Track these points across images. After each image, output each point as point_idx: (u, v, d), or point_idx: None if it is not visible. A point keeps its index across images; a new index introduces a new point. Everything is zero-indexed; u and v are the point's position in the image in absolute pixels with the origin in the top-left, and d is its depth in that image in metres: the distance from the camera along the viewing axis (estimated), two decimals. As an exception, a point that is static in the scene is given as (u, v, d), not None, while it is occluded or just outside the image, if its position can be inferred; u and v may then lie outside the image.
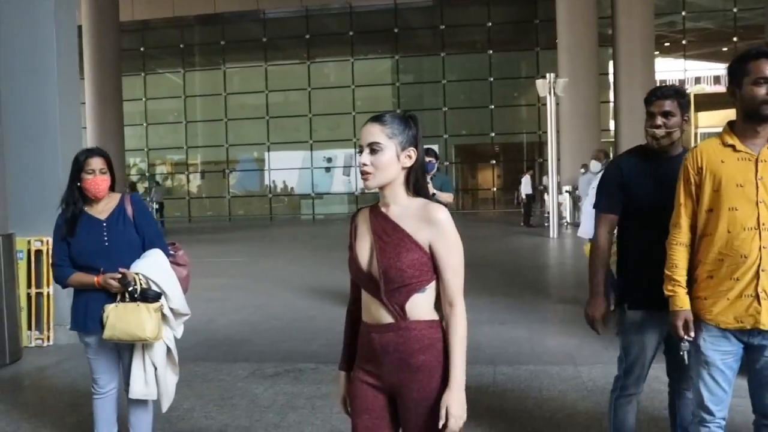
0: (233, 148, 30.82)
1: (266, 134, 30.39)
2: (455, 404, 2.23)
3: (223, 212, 30.77)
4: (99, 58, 23.19)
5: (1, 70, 7.09)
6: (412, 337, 2.28)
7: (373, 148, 2.26)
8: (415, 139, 2.33)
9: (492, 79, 29.61)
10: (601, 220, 3.23)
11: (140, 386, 3.65)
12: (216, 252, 16.50)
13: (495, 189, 31.07)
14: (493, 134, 29.74)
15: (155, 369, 3.66)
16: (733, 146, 2.66)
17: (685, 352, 2.71)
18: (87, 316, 3.65)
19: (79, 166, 3.67)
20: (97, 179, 3.64)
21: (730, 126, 2.72)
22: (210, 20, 30.58)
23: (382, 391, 2.39)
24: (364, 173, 2.28)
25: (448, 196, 7.17)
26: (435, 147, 7.55)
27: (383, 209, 2.36)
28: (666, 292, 2.73)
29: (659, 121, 3.07)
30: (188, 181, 32.15)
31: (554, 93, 18.05)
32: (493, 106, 29.57)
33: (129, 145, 28.41)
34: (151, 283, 3.56)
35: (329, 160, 31.19)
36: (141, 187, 31.38)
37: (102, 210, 3.73)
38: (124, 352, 3.72)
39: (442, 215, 2.27)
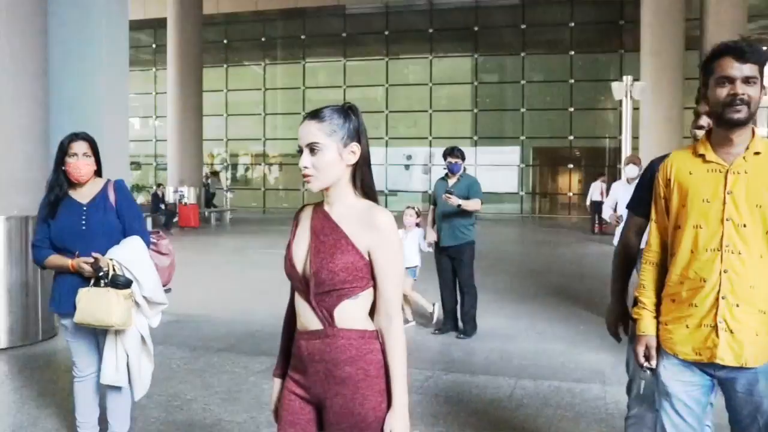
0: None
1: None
2: (398, 426, 2.10)
3: (297, 205, 31.13)
4: (182, 50, 23.89)
5: (52, 62, 7.30)
6: (338, 346, 2.14)
7: (313, 148, 2.13)
8: (357, 133, 2.19)
9: (572, 81, 28.82)
10: (629, 222, 3.06)
11: (111, 372, 3.66)
12: (280, 243, 16.62)
13: (571, 194, 30.27)
14: (571, 137, 28.96)
15: (127, 356, 3.66)
16: (703, 156, 2.37)
17: (642, 381, 2.44)
18: (62, 298, 3.68)
19: (63, 150, 3.69)
20: (78, 163, 3.67)
21: (707, 134, 2.42)
22: (292, 14, 30.97)
23: (309, 402, 2.25)
24: (305, 176, 2.15)
25: (475, 204, 6.89)
26: (459, 147, 7.18)
27: (326, 207, 2.23)
28: (632, 314, 2.47)
29: (703, 121, 2.99)
30: (265, 172, 32.73)
31: (631, 97, 17.36)
32: (572, 109, 28.79)
33: (209, 135, 29.17)
34: (123, 270, 3.54)
35: (409, 157, 31.08)
36: (224, 177, 32.22)
37: (85, 195, 3.76)
38: (101, 335, 3.74)
39: (385, 220, 2.14)
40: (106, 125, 7.46)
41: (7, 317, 6.29)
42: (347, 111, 2.19)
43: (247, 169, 33.58)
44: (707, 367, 2.35)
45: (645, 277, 2.47)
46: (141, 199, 23.03)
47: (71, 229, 3.66)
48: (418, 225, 7.57)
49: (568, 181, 30.51)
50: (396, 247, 2.15)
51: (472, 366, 5.91)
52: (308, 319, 2.19)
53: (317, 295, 2.15)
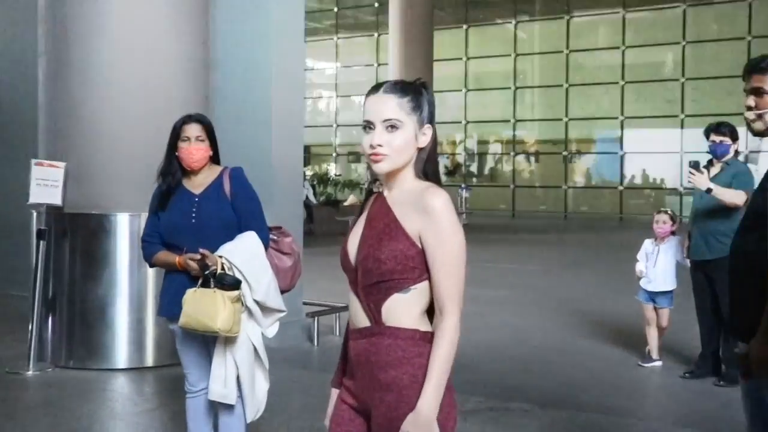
0: (576, 124, 30.96)
1: (620, 105, 30.01)
2: (417, 430, 2.36)
3: (559, 208, 31.08)
4: (406, 9, 24.90)
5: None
6: (384, 347, 2.45)
7: (394, 125, 2.48)
8: (431, 114, 2.56)
9: None
10: None
11: (218, 387, 4.15)
12: (514, 256, 17.16)
13: None
14: None
15: (237, 369, 4.15)
16: None
17: None
18: (170, 300, 4.26)
19: (175, 134, 4.28)
20: (191, 148, 4.25)
21: None
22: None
23: (359, 412, 2.60)
24: (375, 155, 2.49)
25: (734, 195, 6.55)
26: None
27: (385, 192, 2.59)
28: None
29: (750, 101, 3.17)
30: (515, 164, 32.89)
31: None
32: None
33: (443, 116, 30.08)
34: (234, 269, 4.04)
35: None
36: (468, 171, 33.06)
37: (199, 184, 4.34)
38: (212, 346, 4.25)
39: (438, 202, 2.44)
40: (275, 104, 8.28)
41: (154, 331, 7.21)
42: (421, 89, 2.56)
43: (492, 160, 34.03)
44: None
45: None
46: (353, 199, 24.36)
47: (180, 223, 4.25)
48: (673, 233, 7.40)
49: None
50: (449, 231, 2.43)
51: (731, 425, 5.74)
52: (357, 315, 2.54)
53: (365, 288, 2.49)
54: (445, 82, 30.38)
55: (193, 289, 4.07)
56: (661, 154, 29.43)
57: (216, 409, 4.34)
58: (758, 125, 3.17)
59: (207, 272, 4.04)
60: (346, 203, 22.79)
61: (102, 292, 7.11)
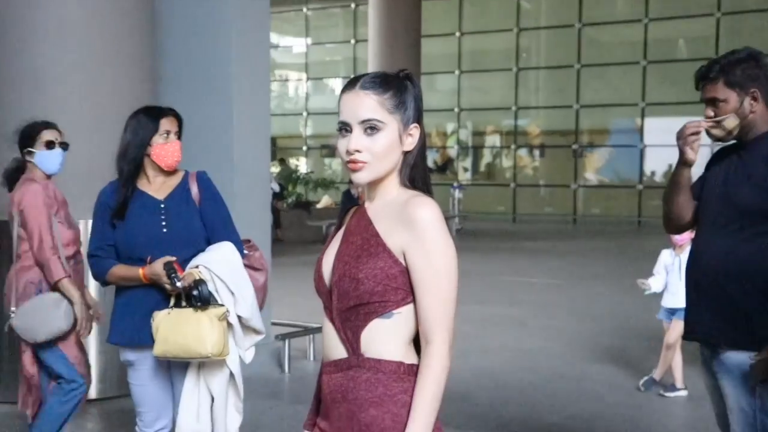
0: (588, 112, 30.97)
1: (641, 90, 30.12)
2: None
3: (568, 210, 31.11)
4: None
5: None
6: (363, 382, 2.49)
7: (373, 126, 2.50)
8: (418, 111, 2.60)
9: None
10: None
11: (191, 421, 4.18)
12: (515, 266, 17.31)
13: None
14: None
15: (212, 400, 4.21)
16: None
17: None
18: (130, 325, 4.28)
19: (150, 128, 4.33)
20: (171, 144, 4.32)
21: None
22: None
23: None
24: (353, 162, 2.51)
25: None
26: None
27: (366, 203, 2.65)
28: None
29: (709, 112, 3.79)
30: (516, 159, 32.79)
31: None
32: None
33: (432, 103, 30.02)
34: (215, 281, 4.11)
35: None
36: (461, 167, 32.93)
37: (159, 188, 4.39)
38: (177, 375, 4.30)
39: (425, 212, 2.47)
40: (236, 94, 8.37)
41: (97, 359, 7.24)
42: (405, 81, 2.59)
43: (490, 155, 33.94)
44: None
45: None
46: (327, 200, 24.39)
47: (148, 233, 4.27)
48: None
49: None
50: (437, 248, 2.45)
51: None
52: (332, 345, 2.58)
53: (341, 313, 2.53)
54: (435, 62, 30.41)
55: (166, 311, 4.08)
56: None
57: None
58: (717, 132, 3.81)
59: (180, 284, 4.01)
60: (319, 205, 22.81)
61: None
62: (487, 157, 34.28)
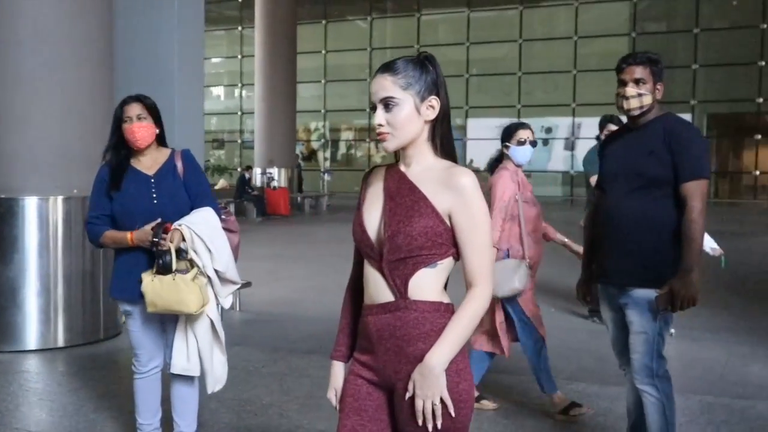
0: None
1: (465, 96, 30.61)
2: (424, 382, 2.27)
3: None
4: (271, 4, 24.53)
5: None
6: (411, 321, 2.34)
7: (388, 104, 2.35)
8: (435, 85, 2.40)
9: (766, 26, 27.74)
10: None
11: (182, 360, 3.99)
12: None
13: (758, 173, 29.09)
14: (760, 100, 27.83)
15: (198, 343, 3.99)
16: None
17: None
18: (124, 282, 3.99)
19: (118, 117, 4.02)
20: (133, 126, 3.96)
21: None
22: (403, -44, 31.33)
23: (378, 387, 2.45)
24: (380, 134, 2.39)
25: None
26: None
27: (403, 168, 2.45)
28: None
29: (630, 89, 3.73)
30: (371, 150, 33.17)
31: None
32: (763, 63, 27.66)
33: (304, 106, 29.92)
34: (195, 238, 3.85)
35: (548, 130, 30.73)
36: (323, 157, 33.06)
37: (150, 165, 4.07)
38: (169, 324, 4.07)
39: (467, 181, 2.34)
40: (177, 94, 7.93)
41: (65, 312, 6.78)
42: (424, 61, 2.40)
43: (349, 147, 34.21)
44: None
45: None
46: (223, 183, 23.95)
47: (142, 205, 3.96)
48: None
49: (755, 158, 29.36)
50: (478, 210, 2.33)
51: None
52: (378, 290, 2.40)
53: (391, 263, 2.36)
54: (307, 74, 30.42)
55: (150, 277, 3.84)
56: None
57: (166, 392, 4.19)
58: (635, 102, 3.73)
59: (156, 250, 3.81)
60: (216, 187, 22.34)
61: (12, 274, 6.65)
62: (343, 149, 34.68)
